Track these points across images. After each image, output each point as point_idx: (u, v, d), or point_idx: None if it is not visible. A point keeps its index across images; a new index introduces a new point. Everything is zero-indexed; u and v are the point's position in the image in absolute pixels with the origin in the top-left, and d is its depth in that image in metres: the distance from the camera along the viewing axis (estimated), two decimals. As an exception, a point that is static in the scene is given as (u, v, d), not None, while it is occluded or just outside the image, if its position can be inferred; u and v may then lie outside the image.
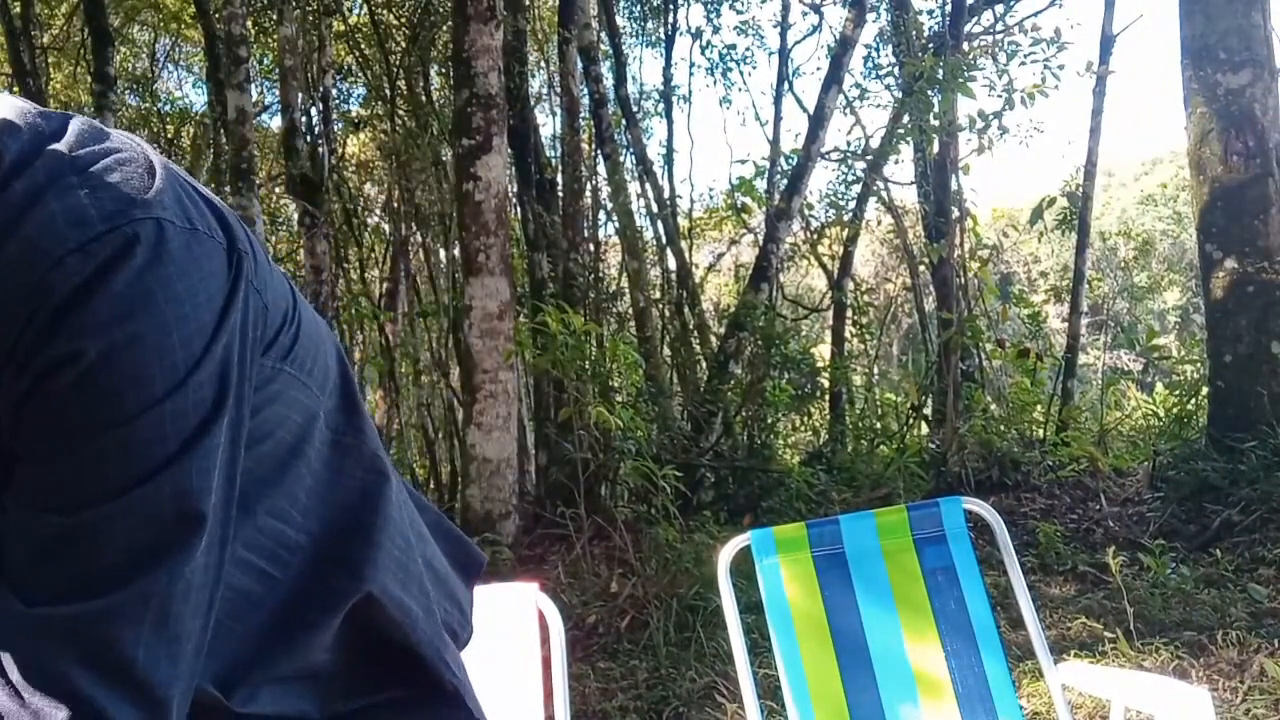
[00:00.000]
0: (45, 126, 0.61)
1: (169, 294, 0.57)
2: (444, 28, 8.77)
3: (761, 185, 9.29)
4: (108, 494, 0.56)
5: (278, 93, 8.63)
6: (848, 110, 10.02)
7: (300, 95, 6.33)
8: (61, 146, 0.60)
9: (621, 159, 8.57)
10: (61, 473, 0.56)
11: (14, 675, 0.56)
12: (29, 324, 0.55)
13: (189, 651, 0.60)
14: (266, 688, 0.72)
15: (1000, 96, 6.95)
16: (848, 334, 10.31)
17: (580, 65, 8.11)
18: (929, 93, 6.72)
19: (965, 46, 8.85)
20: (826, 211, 10.08)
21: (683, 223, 11.12)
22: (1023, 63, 8.14)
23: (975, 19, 9.72)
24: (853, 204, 9.92)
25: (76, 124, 0.62)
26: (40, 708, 0.55)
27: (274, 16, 7.73)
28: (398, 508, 0.82)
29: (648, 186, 9.33)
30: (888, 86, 10.30)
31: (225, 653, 0.67)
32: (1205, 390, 5.82)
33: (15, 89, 9.04)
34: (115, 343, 0.55)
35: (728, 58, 11.70)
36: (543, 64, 12.01)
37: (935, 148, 8.20)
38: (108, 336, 0.55)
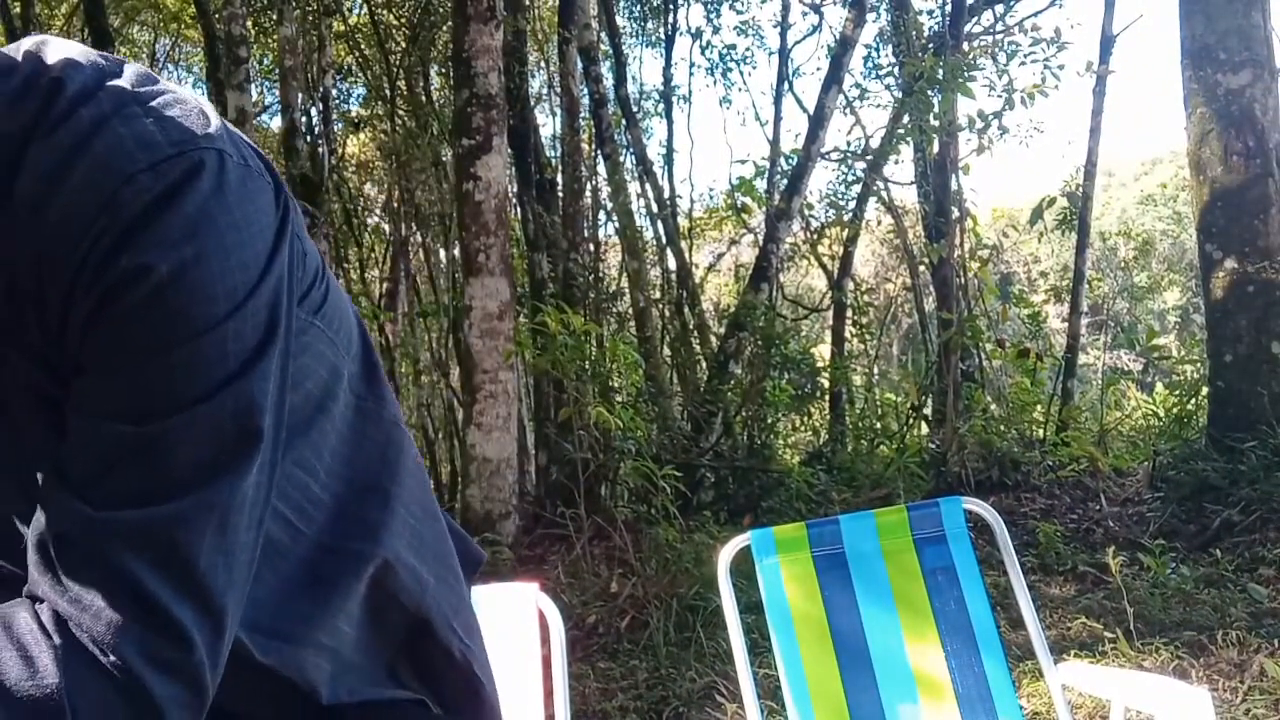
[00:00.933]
0: (106, 65, 0.64)
1: (230, 220, 0.60)
2: (444, 28, 8.77)
3: (761, 185, 9.30)
4: (175, 407, 0.59)
5: (278, 93, 8.64)
6: (848, 110, 10.02)
7: (300, 95, 6.33)
8: (123, 82, 0.63)
9: (621, 159, 8.57)
10: (130, 385, 0.59)
11: (69, 582, 0.57)
12: (100, 237, 0.57)
13: (243, 564, 0.62)
14: (288, 647, 0.72)
15: (1000, 96, 6.96)
16: (848, 334, 10.32)
17: (580, 65, 8.11)
18: (929, 93, 6.72)
19: (965, 46, 8.85)
20: (826, 211, 10.09)
21: (683, 223, 11.12)
22: (1023, 63, 8.14)
23: (975, 19, 9.72)
24: (853, 204, 9.92)
25: (133, 66, 0.65)
26: (100, 608, 0.57)
27: (274, 16, 7.73)
28: (414, 477, 0.83)
29: (648, 186, 9.33)
30: (888, 86, 10.31)
31: (256, 598, 0.68)
32: (1205, 390, 5.82)
33: (15, 89, 9.04)
34: (184, 260, 0.57)
35: (728, 58, 11.71)
36: (543, 64, 12.01)
37: (935, 148, 8.20)
38: (177, 253, 0.57)
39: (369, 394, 0.78)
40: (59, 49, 0.64)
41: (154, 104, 0.62)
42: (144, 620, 0.57)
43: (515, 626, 1.90)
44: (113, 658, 0.56)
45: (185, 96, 0.64)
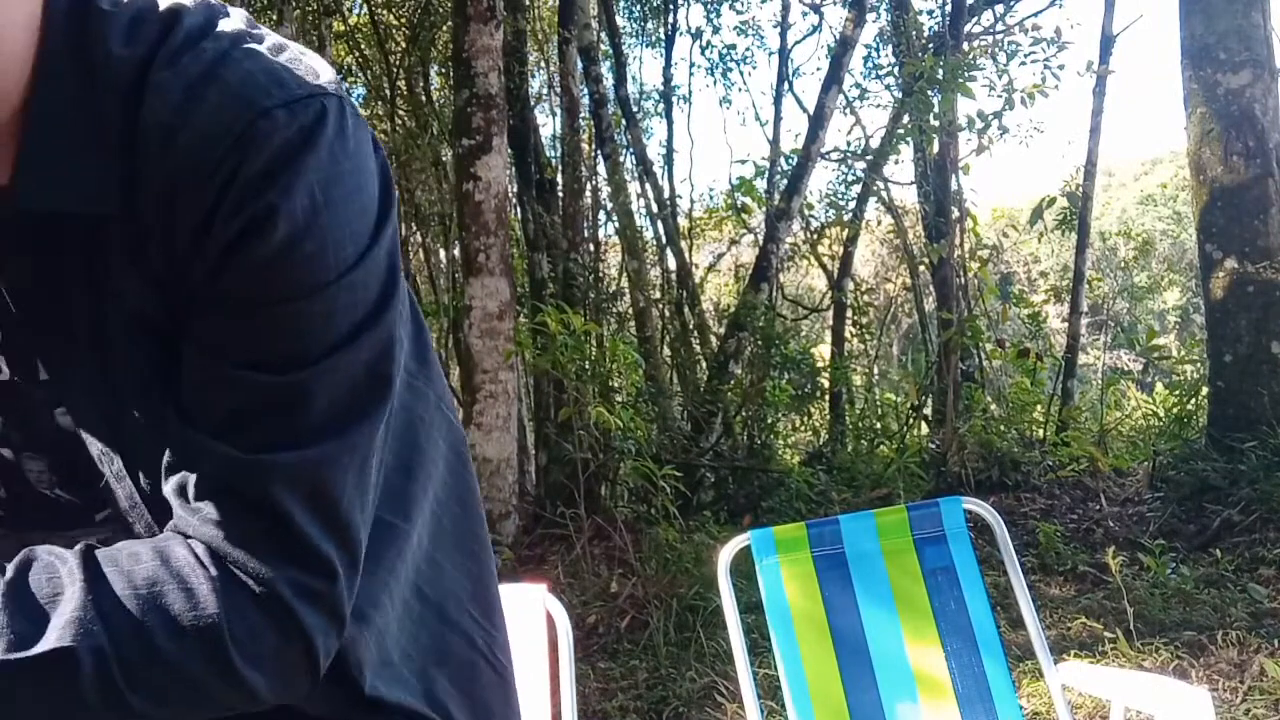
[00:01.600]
0: (216, 5, 0.64)
1: (353, 165, 0.61)
2: (444, 28, 8.77)
3: (761, 185, 9.30)
4: (314, 356, 0.60)
5: (278, 93, 8.63)
6: (848, 110, 10.02)
7: (300, 95, 6.34)
8: (237, 22, 0.63)
9: (621, 159, 8.57)
10: (269, 332, 0.59)
11: (220, 519, 0.59)
12: (238, 171, 0.56)
13: (370, 503, 0.65)
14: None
15: (1000, 96, 6.95)
16: (848, 334, 10.31)
17: (580, 65, 8.11)
18: (929, 93, 6.72)
19: (965, 46, 8.85)
20: (826, 211, 10.09)
21: (683, 223, 11.12)
22: (1023, 63, 8.15)
23: (975, 19, 9.72)
24: (853, 204, 9.92)
25: (239, 11, 0.65)
26: (253, 543, 0.59)
27: (274, 16, 7.73)
28: (448, 459, 0.83)
29: (648, 186, 9.33)
30: (888, 86, 10.31)
31: None
32: (1205, 390, 5.82)
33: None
34: (317, 205, 0.58)
35: (728, 58, 11.71)
36: (543, 64, 12.01)
37: (935, 148, 8.20)
38: (311, 198, 0.58)
39: (419, 371, 0.78)
40: None
41: (272, 44, 0.63)
42: (294, 554, 0.60)
43: (522, 628, 1.90)
44: (266, 589, 0.59)
45: (293, 44, 0.65)
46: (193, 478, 0.60)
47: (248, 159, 0.56)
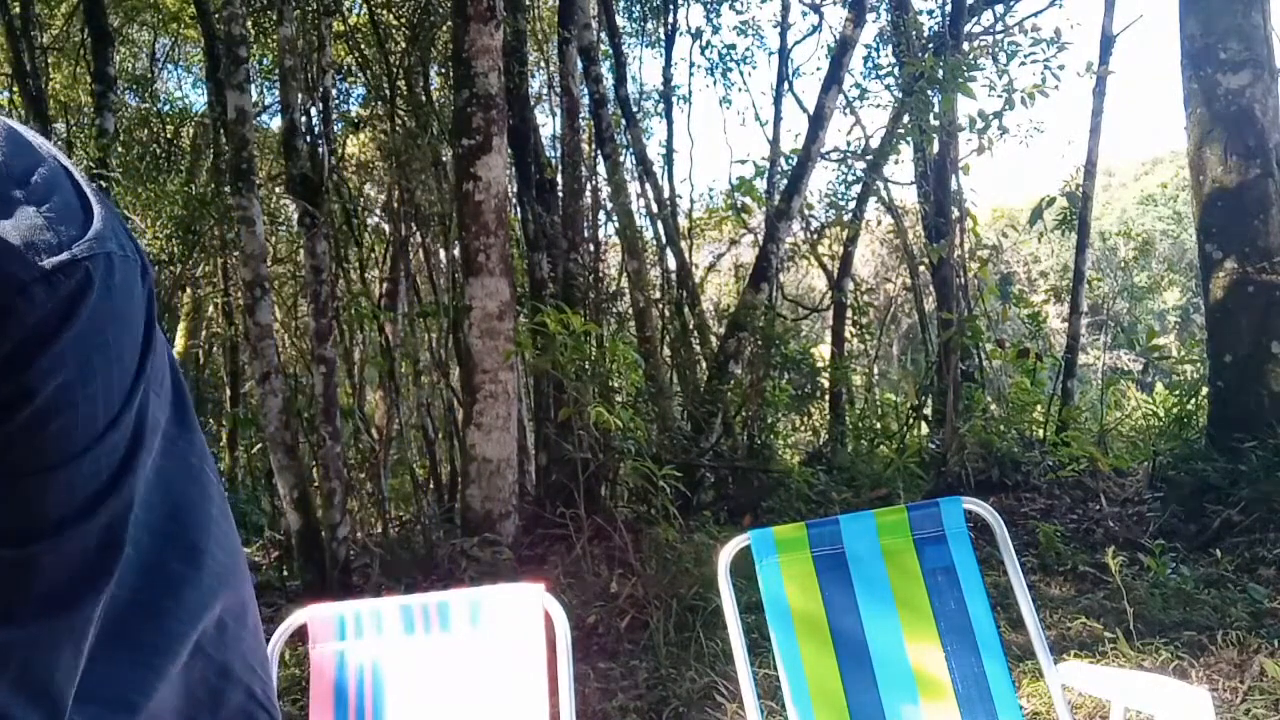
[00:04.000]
0: None
1: (116, 329, 0.57)
2: (444, 28, 8.77)
3: (761, 185, 9.29)
4: (50, 529, 0.56)
5: (278, 93, 8.63)
6: (848, 110, 10.02)
7: (300, 95, 6.32)
8: None
9: (621, 159, 8.56)
10: (5, 508, 0.55)
11: None
12: None
13: (84, 654, 0.61)
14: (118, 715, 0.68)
15: (1000, 96, 6.95)
16: (848, 334, 10.31)
17: (580, 65, 8.10)
18: (929, 93, 6.72)
19: (965, 46, 8.85)
20: (826, 212, 10.09)
21: (683, 223, 11.12)
22: (1023, 63, 8.13)
23: (975, 19, 9.72)
24: (853, 204, 9.92)
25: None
26: None
27: (274, 16, 7.72)
28: (221, 511, 0.80)
29: (648, 186, 9.32)
30: (888, 86, 10.30)
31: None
32: (1205, 390, 5.82)
33: (15, 89, 9.04)
34: (71, 382, 0.54)
35: (728, 58, 11.70)
36: (543, 64, 12.01)
37: (935, 148, 8.20)
38: (66, 375, 0.54)
39: (179, 433, 0.73)
40: None
41: (35, 183, 0.56)
42: None
43: (521, 627, 1.90)
44: None
45: (52, 163, 0.58)
46: None
47: (6, 349, 0.52)
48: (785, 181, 8.63)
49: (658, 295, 9.30)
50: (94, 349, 0.55)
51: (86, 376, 0.55)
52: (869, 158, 8.92)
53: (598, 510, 5.23)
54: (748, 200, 8.10)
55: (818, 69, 15.88)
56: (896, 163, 9.52)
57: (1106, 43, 8.40)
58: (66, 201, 0.57)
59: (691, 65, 17.84)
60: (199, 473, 0.75)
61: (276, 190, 11.31)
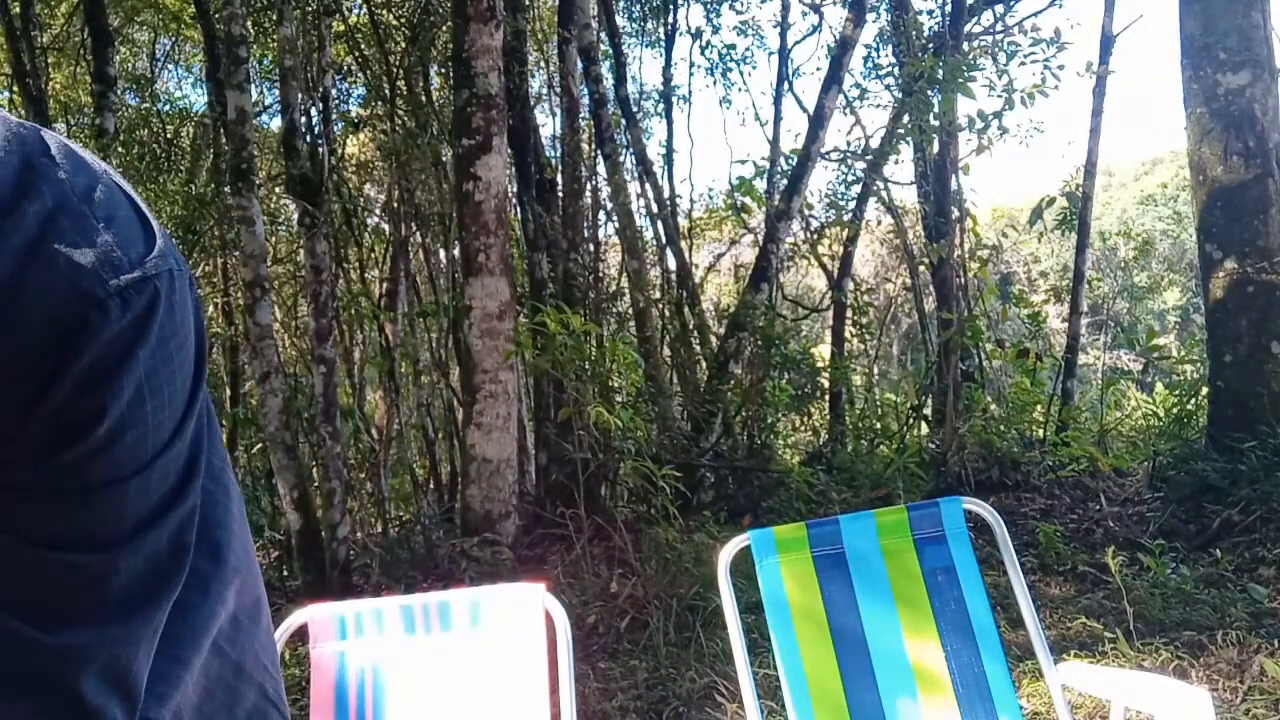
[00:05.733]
0: (29, 138, 0.57)
1: (178, 342, 0.59)
2: (444, 28, 8.77)
3: (761, 185, 9.29)
4: (126, 534, 0.59)
5: (278, 93, 8.62)
6: (848, 110, 10.02)
7: (300, 95, 6.32)
8: (60, 173, 0.57)
9: (621, 159, 8.56)
10: (80, 514, 0.58)
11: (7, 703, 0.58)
12: (67, 364, 0.53)
13: (153, 652, 0.65)
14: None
15: (1000, 96, 6.95)
16: (848, 334, 10.31)
17: (580, 65, 8.10)
18: (929, 93, 6.72)
19: (965, 46, 8.85)
20: (826, 211, 10.08)
21: (683, 223, 11.12)
22: (1023, 63, 8.13)
23: (975, 19, 9.71)
24: (853, 204, 9.91)
25: (53, 140, 0.59)
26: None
27: (274, 16, 7.72)
28: (239, 520, 0.82)
29: (648, 186, 9.32)
30: (888, 86, 10.30)
31: None
32: (1205, 390, 5.82)
33: (15, 89, 9.03)
34: (143, 394, 0.56)
35: (728, 58, 11.70)
36: (543, 64, 12.01)
37: (935, 148, 8.20)
38: (139, 389, 0.56)
39: (211, 451, 0.75)
40: None
41: (98, 201, 0.57)
42: None
43: (521, 627, 1.90)
44: None
45: (109, 183, 0.60)
46: None
47: (77, 355, 0.53)
48: (785, 181, 8.63)
49: (658, 295, 9.30)
50: (161, 363, 0.57)
51: (155, 389, 0.57)
52: (869, 158, 8.92)
53: (598, 510, 5.23)
54: (748, 200, 8.10)
55: (818, 69, 15.91)
56: (896, 163, 9.53)
57: (1106, 43, 8.40)
58: (128, 218, 0.59)
59: (691, 65, 17.85)
60: (220, 472, 0.78)
61: (276, 190, 11.31)
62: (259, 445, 10.26)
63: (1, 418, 0.54)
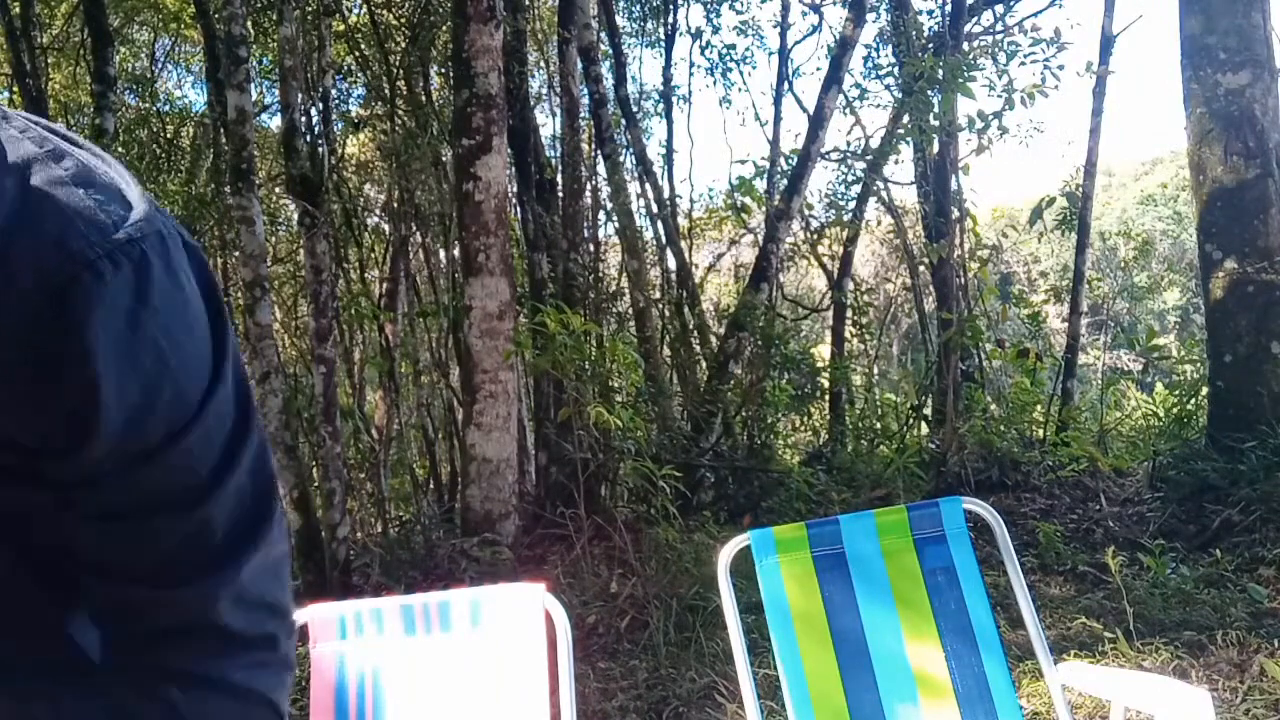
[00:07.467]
0: None
1: (183, 299, 0.60)
2: (444, 28, 8.77)
3: (761, 185, 9.29)
4: (207, 484, 0.62)
5: (278, 93, 8.62)
6: (848, 110, 10.02)
7: (300, 95, 6.32)
8: (27, 141, 0.57)
9: (621, 159, 8.56)
10: (162, 477, 0.60)
11: (184, 656, 0.64)
12: (68, 336, 0.53)
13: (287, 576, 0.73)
14: None
15: (1000, 96, 6.95)
16: (848, 334, 10.31)
17: (580, 65, 8.10)
18: (929, 93, 6.72)
19: (965, 46, 8.85)
20: (826, 212, 10.09)
21: (683, 223, 11.11)
22: (1023, 63, 8.13)
23: (975, 19, 9.72)
24: (853, 204, 9.92)
25: (14, 114, 0.59)
26: (219, 658, 0.65)
27: (274, 16, 7.72)
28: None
29: (648, 186, 9.32)
30: (888, 86, 10.30)
31: None
32: (1205, 390, 5.82)
33: (15, 89, 9.04)
34: (164, 353, 0.57)
35: (728, 58, 11.70)
36: (543, 64, 12.01)
37: (935, 148, 8.20)
38: (157, 350, 0.56)
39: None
40: None
41: (74, 168, 0.57)
42: (249, 648, 0.66)
43: (521, 627, 1.90)
44: (232, 686, 0.66)
45: (89, 153, 0.60)
46: (145, 630, 0.63)
47: (76, 316, 0.53)
48: (785, 181, 8.63)
49: (658, 295, 9.30)
50: (170, 320, 0.58)
51: (176, 345, 0.58)
52: (869, 158, 8.92)
53: (598, 510, 5.22)
54: (748, 200, 8.10)
55: (818, 69, 15.91)
56: (896, 163, 9.53)
57: (1106, 43, 8.40)
58: (107, 184, 0.58)
59: (691, 65, 17.88)
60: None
61: (276, 190, 11.31)
62: (259, 445, 10.22)
63: (11, 392, 0.54)
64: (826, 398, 9.34)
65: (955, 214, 7.54)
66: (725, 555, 2.03)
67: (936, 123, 6.98)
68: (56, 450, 0.56)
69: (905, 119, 7.86)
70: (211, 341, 0.62)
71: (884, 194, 9.94)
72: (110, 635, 0.65)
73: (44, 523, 0.62)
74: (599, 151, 8.54)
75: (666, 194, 10.10)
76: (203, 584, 0.63)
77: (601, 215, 9.25)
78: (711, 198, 13.69)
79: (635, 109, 10.58)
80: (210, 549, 0.63)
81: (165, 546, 0.62)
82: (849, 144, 11.47)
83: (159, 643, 0.64)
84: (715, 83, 15.42)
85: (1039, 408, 7.12)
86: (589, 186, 8.65)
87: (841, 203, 9.98)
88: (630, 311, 8.90)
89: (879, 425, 8.31)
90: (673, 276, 9.37)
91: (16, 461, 0.57)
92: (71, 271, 0.53)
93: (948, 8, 9.25)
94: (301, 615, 1.98)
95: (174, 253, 0.59)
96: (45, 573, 0.65)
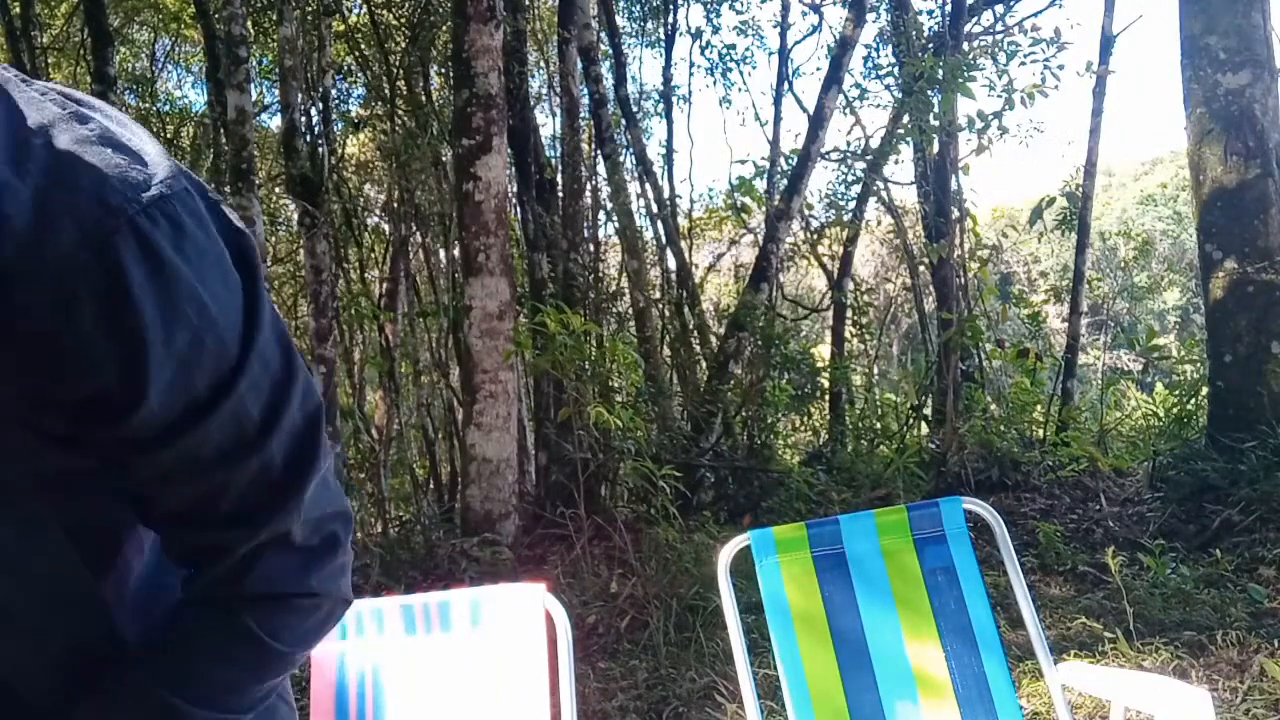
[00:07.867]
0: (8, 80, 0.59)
1: (216, 250, 0.62)
2: (444, 28, 8.77)
3: (761, 185, 9.29)
4: (262, 425, 0.65)
5: (278, 93, 8.62)
6: (848, 110, 10.01)
7: (300, 95, 6.33)
8: (49, 103, 0.58)
9: (621, 159, 8.56)
10: (221, 427, 0.63)
11: (258, 591, 0.71)
12: (111, 291, 0.54)
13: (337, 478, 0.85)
14: None
15: (1000, 96, 6.95)
16: (848, 334, 10.31)
17: (580, 65, 8.10)
18: (929, 93, 6.72)
19: (965, 46, 8.85)
20: (826, 212, 10.08)
21: (683, 223, 11.11)
22: (1023, 63, 8.13)
23: (975, 19, 9.71)
24: (853, 204, 9.91)
25: (11, 74, 0.60)
26: (300, 576, 0.73)
27: (274, 16, 7.72)
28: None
29: (648, 186, 9.32)
30: (888, 86, 10.30)
31: None
32: (1205, 390, 5.82)
33: (15, 89, 9.01)
34: (203, 302, 0.59)
35: (728, 58, 11.70)
36: (543, 64, 12.01)
37: (935, 148, 8.20)
38: (196, 300, 0.58)
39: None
40: None
41: (100, 120, 0.59)
42: (318, 555, 0.74)
43: (521, 627, 1.90)
44: (310, 595, 0.75)
45: (111, 115, 0.61)
46: (215, 565, 0.70)
47: (123, 278, 0.54)
48: (785, 181, 8.63)
49: (658, 295, 9.30)
50: (203, 270, 0.59)
51: (214, 294, 0.60)
52: (869, 158, 8.92)
53: (598, 510, 5.22)
54: (748, 200, 8.10)
55: (818, 69, 15.92)
56: (896, 163, 9.53)
57: (1106, 43, 8.40)
58: (126, 135, 0.60)
59: (691, 65, 17.88)
60: None
61: (276, 190, 11.30)
62: (259, 445, 10.22)
63: (60, 352, 0.54)
64: (826, 398, 9.34)
65: (955, 214, 7.54)
66: (725, 555, 2.03)
67: (936, 123, 6.98)
68: (112, 411, 0.58)
69: (905, 119, 7.86)
70: (243, 292, 0.63)
71: (884, 194, 9.94)
72: (195, 571, 0.71)
73: (97, 492, 0.66)
74: (599, 151, 8.53)
75: (666, 194, 10.11)
76: (271, 518, 0.68)
77: (601, 215, 9.25)
78: (711, 198, 13.71)
79: (635, 109, 10.58)
80: (273, 486, 0.68)
81: (233, 495, 0.66)
82: (849, 144, 11.48)
83: (240, 573, 0.69)
84: (715, 83, 15.44)
85: (1039, 408, 7.12)
86: (589, 186, 8.65)
87: (841, 203, 9.98)
88: (630, 311, 8.90)
89: (879, 425, 8.31)
90: (673, 276, 9.37)
91: (71, 430, 0.59)
92: (113, 225, 0.54)
93: (948, 8, 9.25)
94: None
95: (202, 208, 0.61)
96: (91, 553, 0.68)
